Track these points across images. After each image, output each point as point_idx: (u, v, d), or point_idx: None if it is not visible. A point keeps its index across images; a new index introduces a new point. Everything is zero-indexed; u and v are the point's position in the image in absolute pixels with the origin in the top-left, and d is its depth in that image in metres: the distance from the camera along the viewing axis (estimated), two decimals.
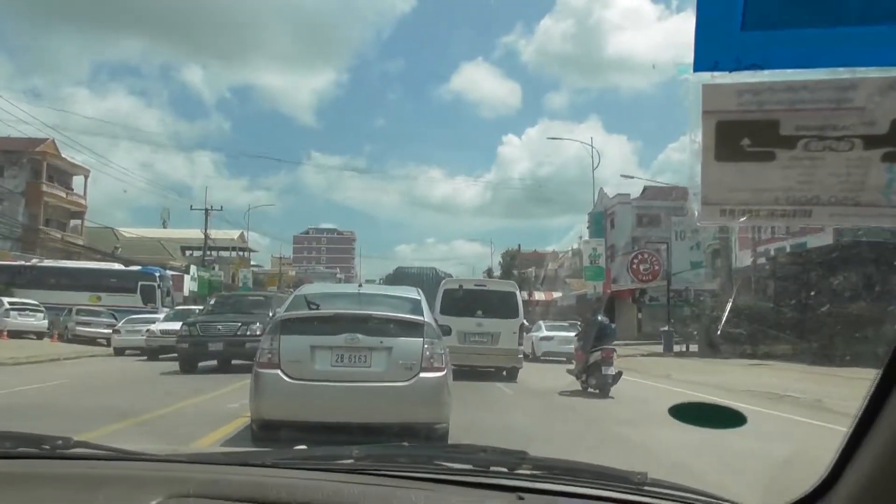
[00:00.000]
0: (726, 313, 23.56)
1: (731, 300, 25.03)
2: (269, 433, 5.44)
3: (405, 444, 1.95)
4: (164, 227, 46.41)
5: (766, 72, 0.94)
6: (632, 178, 69.41)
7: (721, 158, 0.96)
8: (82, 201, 43.69)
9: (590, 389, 10.99)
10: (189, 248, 50.05)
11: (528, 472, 1.47)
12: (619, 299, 35.87)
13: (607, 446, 6.30)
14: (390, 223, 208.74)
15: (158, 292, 26.26)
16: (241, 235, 61.39)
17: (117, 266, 28.75)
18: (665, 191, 47.37)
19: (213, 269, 47.42)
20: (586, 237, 52.49)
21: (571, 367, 12.27)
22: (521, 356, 13.51)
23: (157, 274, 27.58)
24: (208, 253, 55.43)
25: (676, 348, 24.32)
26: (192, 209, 43.89)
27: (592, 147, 34.68)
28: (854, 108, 0.94)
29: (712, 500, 1.42)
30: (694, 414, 1.73)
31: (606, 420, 8.40)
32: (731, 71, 0.93)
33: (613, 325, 12.49)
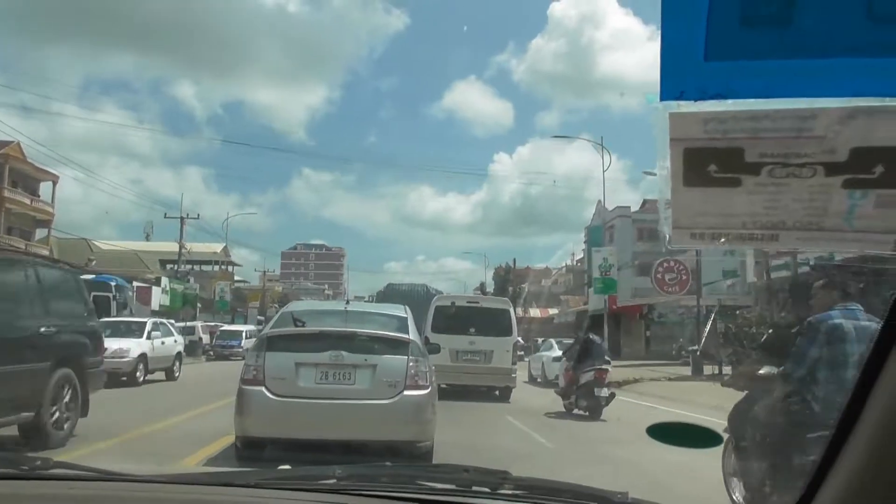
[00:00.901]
0: (706, 332, 22.15)
1: (713, 316, 23.51)
2: (253, 451, 5.56)
3: (388, 463, 2.00)
4: (147, 240, 45.73)
5: (731, 101, 1.02)
6: (652, 174, 67.38)
7: (689, 184, 1.03)
8: (49, 209, 42.05)
9: (576, 411, 10.95)
10: (169, 261, 49.72)
11: (509, 491, 1.53)
12: (625, 316, 34.92)
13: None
14: (380, 240, 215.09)
15: (114, 304, 23.09)
16: (225, 249, 61.27)
17: None
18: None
19: (188, 281, 45.40)
20: (580, 254, 52.47)
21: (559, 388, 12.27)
22: (515, 375, 13.56)
23: (113, 284, 24.57)
24: (190, 266, 55.25)
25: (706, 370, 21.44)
26: (166, 217, 42.29)
27: (602, 147, 33.95)
28: (814, 136, 1.02)
29: None
30: (672, 433, 1.80)
31: None
32: (696, 100, 1.01)
33: (604, 344, 12.52)
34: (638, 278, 34.78)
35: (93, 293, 23.61)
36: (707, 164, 1.03)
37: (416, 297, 22.46)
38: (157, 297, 38.72)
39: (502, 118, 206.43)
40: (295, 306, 7.54)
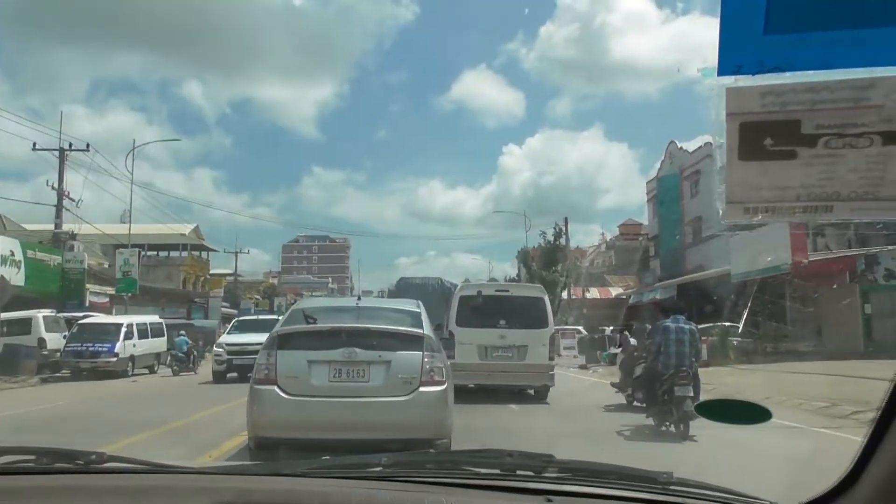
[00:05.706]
0: None
1: None
2: (266, 453, 6.18)
3: (431, 450, 2.28)
4: (123, 224, 43.44)
5: (788, 73, 1.24)
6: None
7: (744, 158, 1.26)
8: None
9: (635, 403, 11.94)
10: (136, 245, 48.16)
11: (554, 474, 1.80)
12: (814, 281, 24.58)
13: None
14: (390, 236, 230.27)
15: None
16: (196, 230, 58.29)
17: None
18: None
19: (73, 249, 33.84)
20: (609, 234, 49.16)
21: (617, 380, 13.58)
22: (553, 373, 13.92)
23: None
24: (157, 253, 54.27)
25: None
26: (35, 149, 31.35)
27: None
28: (873, 106, 1.23)
29: (737, 498, 1.73)
30: (720, 410, 2.07)
31: None
32: (754, 74, 1.23)
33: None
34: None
35: None
36: (763, 137, 1.25)
37: (430, 291, 23.13)
38: None
39: (513, 108, 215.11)
40: (306, 303, 8.51)
